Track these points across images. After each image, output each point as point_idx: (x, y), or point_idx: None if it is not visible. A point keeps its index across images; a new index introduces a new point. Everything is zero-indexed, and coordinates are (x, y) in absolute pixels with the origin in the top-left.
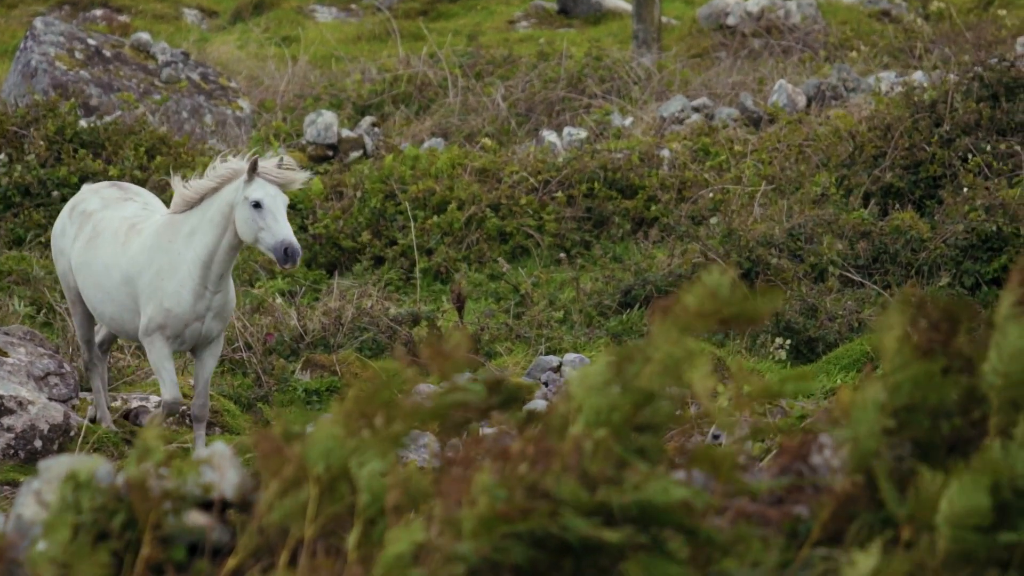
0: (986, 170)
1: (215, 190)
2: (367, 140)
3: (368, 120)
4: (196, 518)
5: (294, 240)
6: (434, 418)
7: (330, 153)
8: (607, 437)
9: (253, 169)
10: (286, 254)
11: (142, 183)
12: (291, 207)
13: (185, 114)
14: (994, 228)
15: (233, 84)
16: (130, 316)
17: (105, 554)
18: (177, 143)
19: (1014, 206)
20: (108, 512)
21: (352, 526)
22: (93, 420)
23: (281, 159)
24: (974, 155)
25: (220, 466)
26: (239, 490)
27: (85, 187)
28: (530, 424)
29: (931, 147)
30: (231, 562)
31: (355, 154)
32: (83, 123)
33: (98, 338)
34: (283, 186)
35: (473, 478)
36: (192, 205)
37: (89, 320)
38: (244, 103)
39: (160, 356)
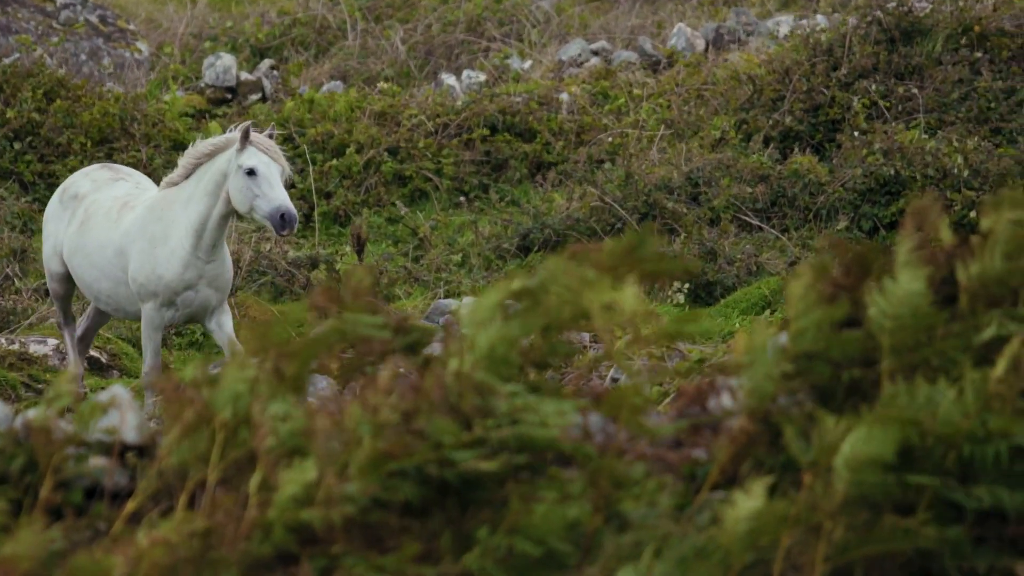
0: (885, 113)
1: (209, 158)
2: (266, 83)
3: (267, 63)
4: (96, 462)
5: (291, 206)
6: (329, 352)
7: (228, 96)
8: (471, 370)
9: (245, 137)
10: (283, 220)
11: (39, 125)
12: None
13: (83, 56)
14: (892, 172)
15: (132, 26)
16: (125, 290)
17: (2, 500)
18: (75, 86)
19: (912, 150)
20: (7, 456)
21: (253, 470)
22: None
23: (272, 131)
24: (871, 98)
25: (120, 410)
26: (139, 433)
27: (76, 172)
28: (427, 367)
29: (829, 90)
30: (130, 505)
31: (254, 97)
32: None
33: (79, 331)
34: (273, 157)
35: (344, 416)
36: (187, 175)
37: (68, 296)
38: (142, 45)
39: (150, 325)
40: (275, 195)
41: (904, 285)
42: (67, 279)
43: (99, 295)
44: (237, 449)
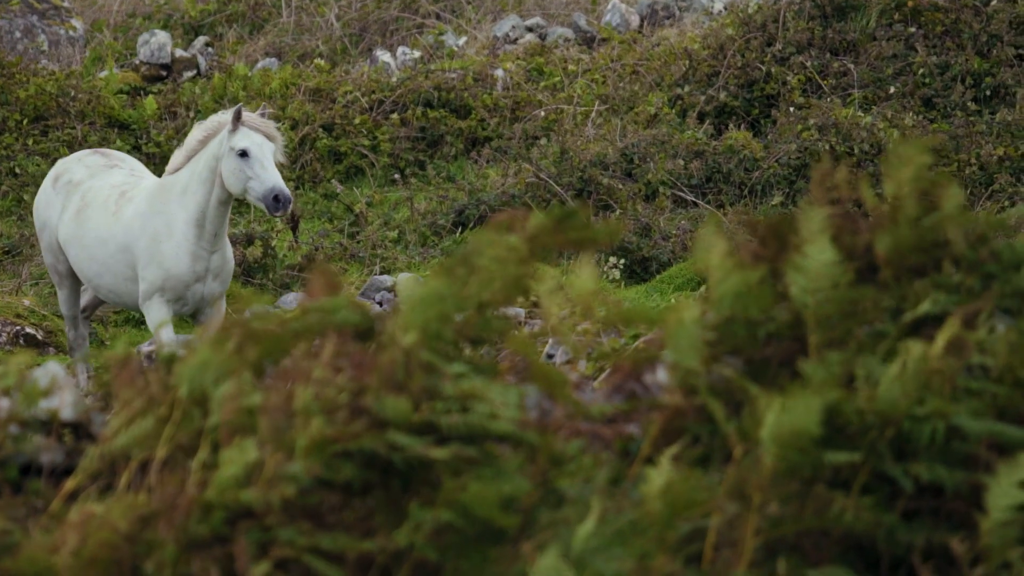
0: (820, 88)
1: (202, 144)
2: (201, 60)
3: (202, 40)
4: (34, 439)
5: (284, 187)
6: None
7: (164, 73)
8: (416, 345)
9: (237, 118)
10: (276, 201)
11: None
12: (124, 127)
13: (18, 34)
14: (827, 147)
15: (66, 3)
16: (128, 286)
17: None
18: (10, 63)
19: (847, 125)
20: None
21: (198, 449)
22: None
23: (264, 110)
24: (807, 74)
25: (57, 388)
26: (75, 411)
27: (68, 157)
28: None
29: (764, 66)
30: (69, 483)
31: (189, 74)
32: None
33: (83, 301)
34: (268, 136)
35: (294, 395)
36: (184, 161)
37: (75, 297)
38: (77, 23)
39: (159, 320)
40: (268, 176)
41: (817, 257)
42: (72, 272)
43: (99, 288)
44: (186, 428)
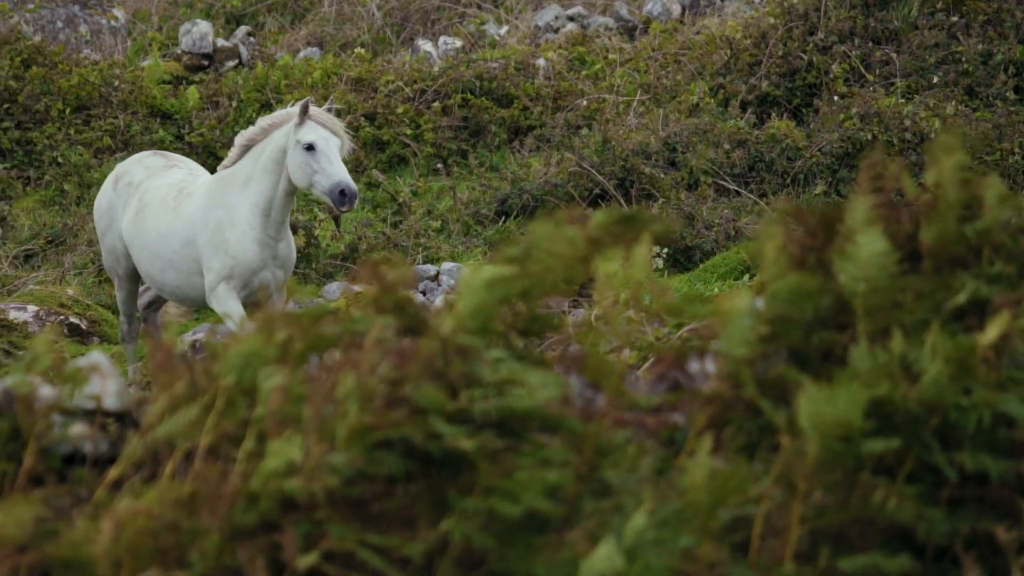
0: (863, 77)
1: (265, 134)
2: (242, 50)
3: (243, 29)
4: (78, 428)
5: (351, 181)
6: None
7: (205, 63)
8: (454, 331)
9: (304, 111)
10: (343, 196)
11: (16, 92)
12: (167, 117)
13: (60, 24)
14: (869, 136)
15: None
16: (193, 280)
17: None
18: (52, 53)
19: (889, 114)
20: None
21: (243, 439)
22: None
23: (331, 105)
24: (850, 63)
25: (101, 377)
26: (120, 400)
27: (128, 159)
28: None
29: (806, 55)
30: (113, 472)
31: (230, 64)
32: None
33: (144, 299)
34: (334, 131)
35: (337, 384)
36: (241, 154)
37: (133, 297)
38: (119, 12)
39: (231, 309)
40: (334, 171)
41: (867, 246)
42: (134, 274)
43: (164, 286)
44: (231, 418)
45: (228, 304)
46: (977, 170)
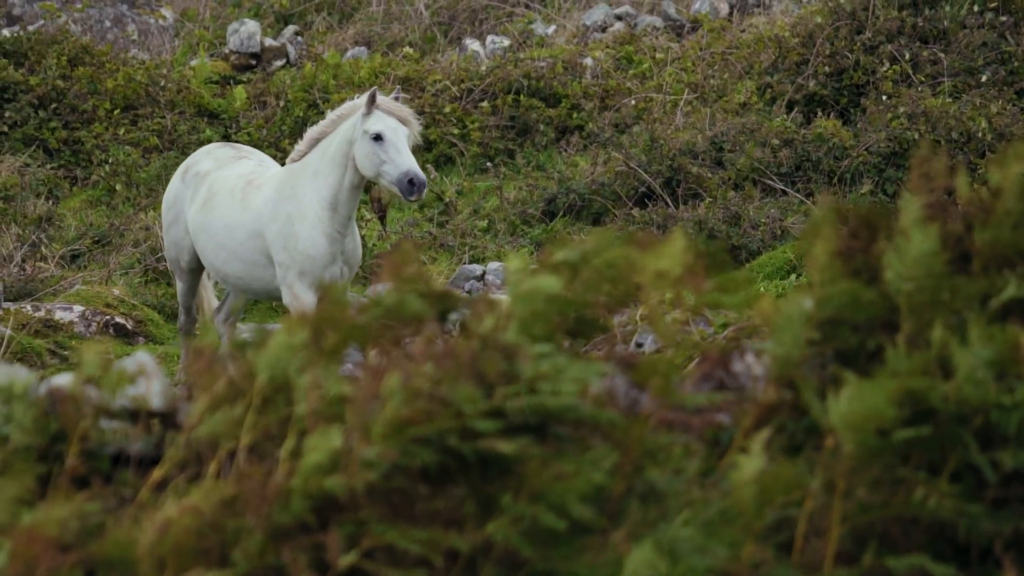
0: (910, 77)
1: (333, 125)
2: (290, 49)
3: (291, 29)
4: (122, 428)
5: (419, 171)
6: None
7: (253, 62)
8: (500, 333)
9: (371, 101)
10: (411, 185)
11: (64, 92)
12: (214, 116)
13: (108, 23)
14: (916, 136)
15: None
16: (258, 272)
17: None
18: (100, 52)
19: (936, 113)
20: (38, 426)
21: (285, 437)
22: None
23: (398, 94)
24: (896, 63)
25: (146, 377)
26: (164, 400)
27: (198, 151)
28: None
29: (853, 54)
30: (157, 473)
31: (278, 63)
32: (6, 32)
33: (220, 316)
34: (402, 120)
35: (382, 383)
36: (310, 147)
37: (192, 291)
38: (167, 12)
39: (304, 301)
40: (402, 160)
41: (917, 245)
42: (196, 267)
43: (228, 277)
44: (270, 416)
45: (304, 299)
46: None
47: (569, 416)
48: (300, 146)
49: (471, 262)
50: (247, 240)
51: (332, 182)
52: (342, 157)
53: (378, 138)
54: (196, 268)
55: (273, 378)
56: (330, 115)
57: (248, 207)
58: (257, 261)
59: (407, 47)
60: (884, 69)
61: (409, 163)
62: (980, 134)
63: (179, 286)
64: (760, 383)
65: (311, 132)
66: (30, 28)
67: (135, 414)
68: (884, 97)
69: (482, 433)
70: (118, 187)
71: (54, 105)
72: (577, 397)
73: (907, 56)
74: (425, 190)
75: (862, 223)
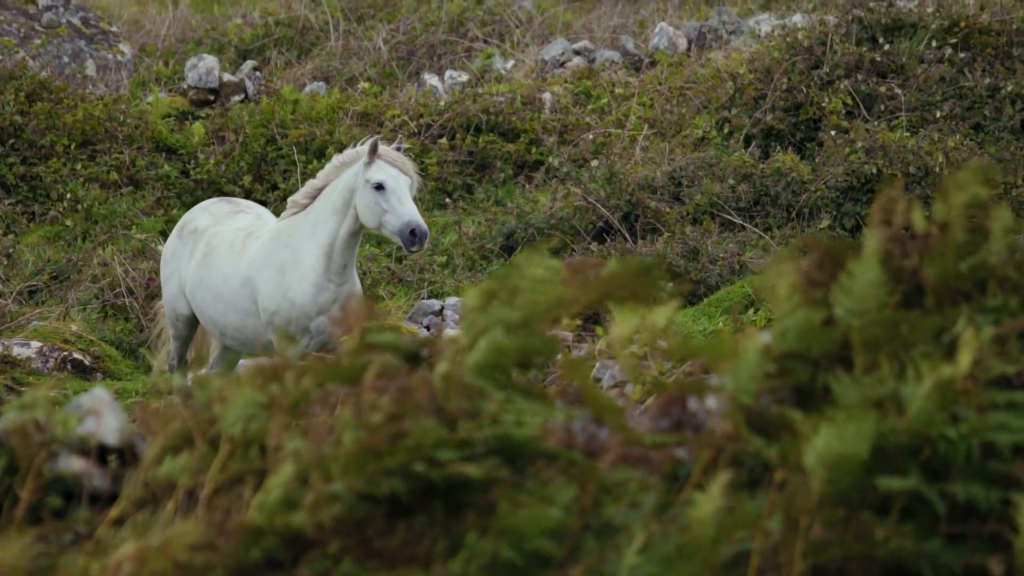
0: (864, 112)
1: (336, 171)
2: (248, 84)
3: (249, 64)
4: (75, 464)
5: (421, 221)
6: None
7: (211, 98)
8: (454, 370)
9: (373, 151)
10: (413, 236)
11: (22, 128)
12: (172, 151)
13: (66, 59)
14: (874, 170)
15: (114, 28)
16: (253, 321)
17: None
18: (58, 88)
19: (894, 148)
20: None
21: (248, 481)
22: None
23: (400, 144)
24: (848, 97)
25: (100, 413)
26: (120, 436)
27: (194, 207)
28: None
29: (810, 89)
30: (114, 511)
31: (236, 98)
32: None
33: (210, 367)
34: (403, 170)
35: (334, 419)
36: (310, 197)
37: (187, 343)
38: (125, 47)
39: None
40: (404, 210)
41: (862, 278)
42: (191, 321)
43: (225, 329)
44: (241, 464)
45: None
46: (986, 203)
47: (533, 449)
48: (298, 196)
49: (429, 297)
50: (240, 288)
51: (330, 228)
52: (343, 204)
53: (380, 188)
54: (192, 322)
55: (245, 432)
56: (331, 163)
57: (245, 256)
58: (250, 310)
59: (365, 82)
60: (829, 104)
61: (411, 213)
62: (937, 168)
63: (173, 342)
64: (716, 418)
65: (312, 182)
66: None
67: (88, 450)
68: (835, 132)
69: (444, 462)
70: (68, 222)
71: (12, 140)
72: (539, 431)
73: (864, 91)
74: (427, 241)
75: (826, 255)
